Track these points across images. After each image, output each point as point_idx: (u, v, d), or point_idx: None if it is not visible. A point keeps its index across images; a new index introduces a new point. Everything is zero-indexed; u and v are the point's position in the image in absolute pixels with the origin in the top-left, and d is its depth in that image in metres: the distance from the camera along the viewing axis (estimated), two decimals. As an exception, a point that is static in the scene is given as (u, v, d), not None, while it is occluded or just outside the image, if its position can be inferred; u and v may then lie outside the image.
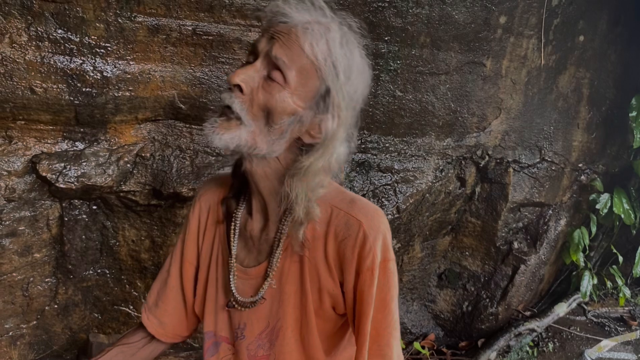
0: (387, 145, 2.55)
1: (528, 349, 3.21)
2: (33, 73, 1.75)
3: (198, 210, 1.30)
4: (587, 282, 3.43)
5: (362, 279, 1.09)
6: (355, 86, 1.08)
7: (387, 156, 2.57)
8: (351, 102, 1.08)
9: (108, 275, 2.19)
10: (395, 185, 2.60)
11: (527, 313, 3.37)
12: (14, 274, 1.97)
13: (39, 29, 1.72)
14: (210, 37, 1.96)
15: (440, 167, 2.76)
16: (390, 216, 2.59)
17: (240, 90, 1.03)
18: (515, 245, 3.18)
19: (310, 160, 1.07)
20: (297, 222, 1.10)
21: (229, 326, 1.24)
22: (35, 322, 2.10)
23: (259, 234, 1.19)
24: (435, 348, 3.10)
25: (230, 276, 1.20)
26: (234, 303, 1.20)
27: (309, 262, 1.14)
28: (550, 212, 3.30)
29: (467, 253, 3.19)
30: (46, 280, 2.07)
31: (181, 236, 1.33)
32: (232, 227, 1.21)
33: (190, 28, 1.92)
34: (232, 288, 1.20)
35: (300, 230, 1.10)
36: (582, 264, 3.45)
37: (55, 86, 1.79)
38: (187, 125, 2.10)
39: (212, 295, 1.26)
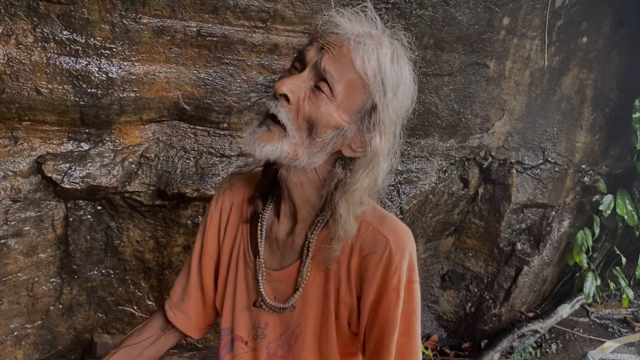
0: (390, 146, 2.55)
1: (531, 350, 3.21)
2: (39, 74, 1.75)
3: (220, 205, 1.29)
4: (590, 284, 3.43)
5: (387, 299, 1.07)
6: (401, 102, 1.06)
7: (390, 157, 2.57)
8: (396, 119, 1.06)
9: (112, 275, 2.20)
10: (399, 186, 2.60)
11: (530, 314, 3.37)
12: (19, 274, 1.98)
13: (44, 30, 1.73)
14: (214, 39, 1.96)
15: (444, 168, 2.76)
16: (393, 217, 2.60)
17: (287, 99, 1.02)
18: (519, 246, 3.18)
19: (359, 178, 1.06)
20: (335, 238, 1.08)
21: (249, 324, 1.24)
22: (40, 322, 2.11)
23: (285, 238, 1.18)
24: (438, 349, 3.10)
25: (259, 277, 1.20)
26: (261, 304, 1.20)
27: (334, 273, 1.13)
28: (554, 213, 3.30)
29: (470, 254, 3.19)
30: (51, 280, 2.08)
31: (201, 229, 1.32)
32: (259, 227, 1.20)
33: (194, 29, 1.93)
34: (262, 290, 1.20)
35: (337, 247, 1.09)
36: (585, 265, 3.44)
37: (60, 87, 1.79)
38: (192, 126, 2.11)
39: (230, 293, 1.26)
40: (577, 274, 3.59)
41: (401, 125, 1.09)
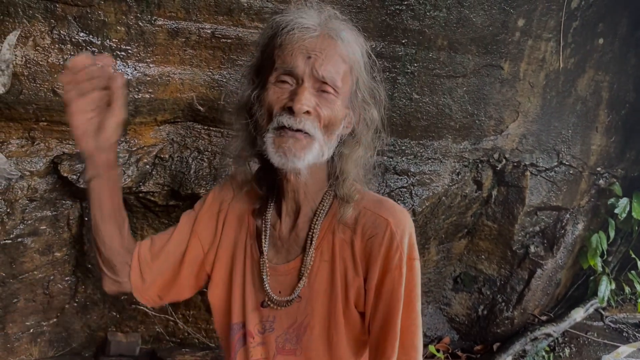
0: (403, 148, 2.55)
1: (544, 353, 3.19)
2: (55, 75, 1.78)
3: (220, 201, 1.33)
4: (605, 287, 3.39)
5: (390, 277, 1.14)
6: (369, 63, 1.18)
7: (403, 159, 2.56)
8: (371, 85, 1.19)
9: (126, 274, 2.21)
10: (412, 188, 2.60)
11: (544, 317, 3.35)
12: (35, 272, 2.01)
13: (61, 32, 1.75)
14: (228, 40, 1.97)
15: (457, 170, 2.75)
16: (406, 219, 2.59)
17: (307, 112, 1.09)
18: (532, 249, 3.16)
19: (352, 144, 1.19)
20: (344, 200, 1.18)
21: (256, 319, 1.27)
22: (55, 320, 2.13)
23: (288, 234, 1.24)
24: (450, 351, 3.09)
25: (264, 275, 1.24)
26: (269, 303, 1.24)
27: (339, 261, 1.19)
28: (568, 216, 3.27)
29: (483, 256, 3.17)
30: (66, 278, 2.10)
31: (196, 208, 1.35)
32: (263, 228, 1.26)
33: (209, 31, 1.94)
34: (267, 287, 1.24)
35: (348, 209, 1.17)
36: (600, 268, 3.41)
37: (77, 88, 1.81)
38: (205, 127, 2.12)
39: (239, 290, 1.28)
40: (592, 278, 3.56)
41: (379, 89, 1.21)
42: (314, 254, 1.20)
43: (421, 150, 2.59)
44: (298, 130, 1.09)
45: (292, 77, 1.11)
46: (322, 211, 1.21)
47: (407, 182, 2.58)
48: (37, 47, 1.74)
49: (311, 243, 1.20)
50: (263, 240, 1.25)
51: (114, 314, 2.25)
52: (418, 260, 1.18)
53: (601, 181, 3.38)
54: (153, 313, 2.30)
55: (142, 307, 2.28)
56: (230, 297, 1.30)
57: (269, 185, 1.28)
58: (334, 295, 1.19)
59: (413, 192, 2.60)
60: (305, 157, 1.10)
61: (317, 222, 1.20)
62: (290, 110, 1.08)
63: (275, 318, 1.24)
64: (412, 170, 2.59)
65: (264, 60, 1.19)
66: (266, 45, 1.18)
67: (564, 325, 3.32)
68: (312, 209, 1.22)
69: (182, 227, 1.34)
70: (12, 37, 1.60)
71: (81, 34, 1.78)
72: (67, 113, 1.13)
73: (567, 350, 3.26)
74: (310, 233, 1.20)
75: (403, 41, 2.30)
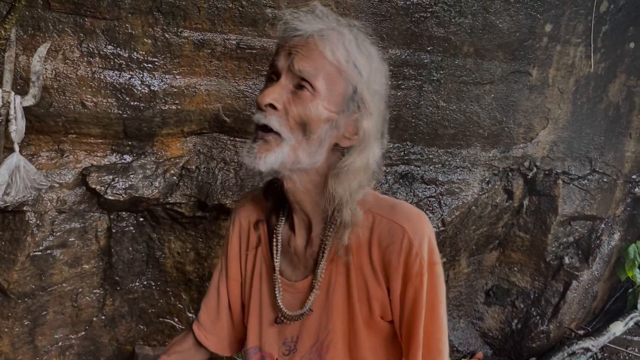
0: (430, 156, 2.51)
1: (583, 369, 3.07)
2: (84, 88, 1.80)
3: (238, 229, 1.31)
4: (645, 300, 3.27)
5: (412, 285, 1.09)
6: (376, 79, 1.10)
7: (431, 167, 2.52)
8: (377, 97, 1.10)
9: (154, 287, 2.21)
10: (440, 197, 2.55)
11: (581, 332, 3.23)
12: (64, 285, 2.01)
13: (90, 45, 1.78)
14: (253, 51, 1.98)
15: (487, 179, 2.69)
16: (435, 229, 2.54)
17: (274, 107, 1.05)
18: (566, 260, 3.06)
19: (351, 159, 1.09)
20: (342, 225, 1.10)
21: (278, 341, 1.23)
22: (83, 333, 2.13)
23: (304, 250, 1.19)
24: (483, 367, 3.00)
25: (276, 291, 1.20)
26: (282, 319, 1.20)
27: (355, 271, 1.14)
28: (603, 225, 3.17)
29: (515, 269, 3.08)
30: (94, 291, 2.10)
31: (224, 251, 1.35)
32: (275, 244, 1.22)
33: (234, 42, 1.95)
34: (279, 303, 1.20)
35: (345, 234, 1.10)
36: (638, 280, 3.29)
37: (105, 100, 1.83)
38: (232, 138, 2.12)
39: (255, 311, 1.26)
40: (630, 290, 3.43)
41: (384, 101, 1.13)
42: (330, 267, 1.15)
43: (449, 159, 2.55)
44: (266, 128, 1.04)
45: (276, 74, 1.08)
46: (333, 222, 1.14)
47: (435, 192, 2.54)
48: (66, 60, 1.77)
49: (323, 255, 1.15)
50: (274, 257, 1.21)
51: (142, 327, 2.24)
52: (439, 264, 1.12)
53: (637, 189, 3.28)
54: (180, 327, 2.28)
55: (169, 321, 2.27)
56: (248, 320, 1.29)
57: (279, 199, 1.23)
58: (352, 307, 1.15)
59: (442, 201, 2.55)
60: (267, 157, 1.03)
61: (328, 234, 1.14)
62: (260, 108, 1.05)
63: (297, 338, 1.21)
64: (440, 179, 2.55)
65: None
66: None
67: (603, 339, 3.19)
68: (323, 219, 1.15)
69: (221, 277, 1.35)
70: (42, 49, 1.62)
71: (109, 47, 1.81)
72: None
73: (606, 366, 3.13)
74: (322, 245, 1.15)
75: (428, 48, 2.28)
